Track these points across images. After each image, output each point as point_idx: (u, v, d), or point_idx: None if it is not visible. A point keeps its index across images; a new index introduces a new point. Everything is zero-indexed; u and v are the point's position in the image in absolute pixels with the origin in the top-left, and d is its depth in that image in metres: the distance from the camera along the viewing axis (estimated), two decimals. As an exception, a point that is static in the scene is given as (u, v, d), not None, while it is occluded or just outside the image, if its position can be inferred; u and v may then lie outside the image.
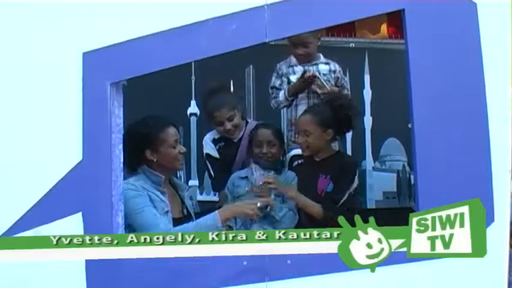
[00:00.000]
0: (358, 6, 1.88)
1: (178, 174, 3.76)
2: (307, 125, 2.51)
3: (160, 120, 2.35)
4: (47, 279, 1.85)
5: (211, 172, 2.88)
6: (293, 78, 2.98)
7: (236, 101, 2.92)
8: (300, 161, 2.61)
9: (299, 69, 2.99)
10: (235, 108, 2.82)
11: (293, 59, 3.02)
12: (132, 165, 2.29)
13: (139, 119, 2.36)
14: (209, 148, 2.88)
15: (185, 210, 2.43)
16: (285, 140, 2.91)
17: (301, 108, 2.92)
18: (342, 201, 2.41)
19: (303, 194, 2.45)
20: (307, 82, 2.87)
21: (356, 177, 2.49)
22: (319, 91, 2.88)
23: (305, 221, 2.46)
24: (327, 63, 3.01)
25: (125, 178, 2.04)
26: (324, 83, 2.87)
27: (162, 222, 2.15)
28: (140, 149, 2.27)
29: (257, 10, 1.83)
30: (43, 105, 1.87)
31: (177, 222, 2.29)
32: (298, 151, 2.67)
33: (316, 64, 2.99)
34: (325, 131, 2.49)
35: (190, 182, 3.82)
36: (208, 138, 2.91)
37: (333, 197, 2.43)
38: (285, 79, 3.01)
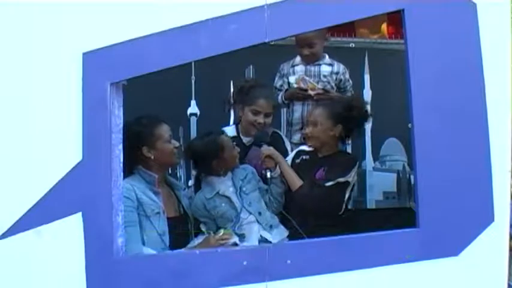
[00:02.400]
0: (358, 6, 1.88)
1: (178, 174, 3.76)
2: (317, 115, 2.55)
3: (153, 118, 2.38)
4: (47, 279, 1.85)
5: None
6: (292, 79, 2.98)
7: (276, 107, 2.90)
8: (304, 157, 2.61)
9: (300, 68, 2.99)
10: (274, 109, 2.81)
11: (297, 59, 3.02)
12: (128, 166, 2.29)
13: (132, 119, 2.37)
14: None
15: (181, 210, 2.43)
16: (285, 140, 2.91)
17: (297, 108, 2.95)
18: (327, 184, 2.42)
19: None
20: (302, 92, 2.90)
21: (352, 171, 2.49)
22: (312, 93, 2.88)
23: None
24: (330, 64, 3.00)
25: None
26: (315, 84, 2.88)
27: (138, 242, 2.16)
28: (137, 147, 2.29)
29: (257, 10, 1.83)
30: (43, 105, 1.87)
31: (172, 221, 2.30)
32: (304, 146, 2.69)
33: (319, 65, 2.99)
34: (335, 125, 2.52)
35: (190, 182, 3.80)
36: None
37: (320, 181, 2.44)
38: (285, 79, 3.01)
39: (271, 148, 2.54)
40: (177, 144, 2.39)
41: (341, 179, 2.44)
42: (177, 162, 2.46)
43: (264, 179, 2.52)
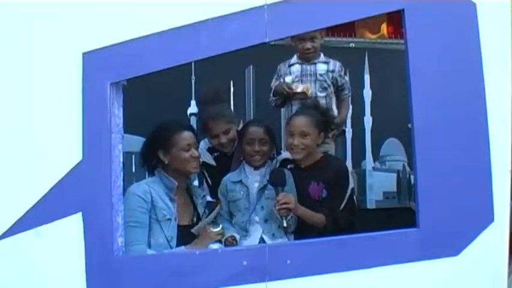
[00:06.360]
0: (358, 6, 1.88)
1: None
2: (306, 126, 2.45)
3: (178, 124, 2.39)
4: (47, 279, 1.85)
5: (208, 180, 2.86)
6: (288, 79, 2.97)
7: (233, 114, 2.83)
8: (290, 166, 2.57)
9: (296, 68, 2.98)
10: (232, 122, 2.72)
11: (293, 59, 3.02)
12: (149, 167, 2.36)
13: (161, 122, 2.40)
14: (205, 157, 2.85)
15: (195, 219, 2.41)
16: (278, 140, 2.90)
17: (296, 108, 2.92)
18: (341, 206, 2.39)
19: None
20: (287, 93, 2.89)
21: (350, 179, 2.46)
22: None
23: (307, 230, 2.39)
24: (325, 62, 3.00)
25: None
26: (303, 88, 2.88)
27: (143, 244, 2.15)
28: (154, 149, 2.32)
29: (257, 10, 1.83)
30: (43, 105, 1.87)
31: (182, 229, 2.29)
32: (288, 155, 2.60)
33: (315, 63, 2.99)
34: (319, 133, 2.47)
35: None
36: (203, 147, 2.81)
37: (331, 204, 2.40)
38: (282, 80, 3.01)
39: (288, 195, 2.32)
40: (196, 154, 2.34)
41: (348, 193, 2.41)
42: (193, 171, 2.41)
43: (281, 225, 2.34)
